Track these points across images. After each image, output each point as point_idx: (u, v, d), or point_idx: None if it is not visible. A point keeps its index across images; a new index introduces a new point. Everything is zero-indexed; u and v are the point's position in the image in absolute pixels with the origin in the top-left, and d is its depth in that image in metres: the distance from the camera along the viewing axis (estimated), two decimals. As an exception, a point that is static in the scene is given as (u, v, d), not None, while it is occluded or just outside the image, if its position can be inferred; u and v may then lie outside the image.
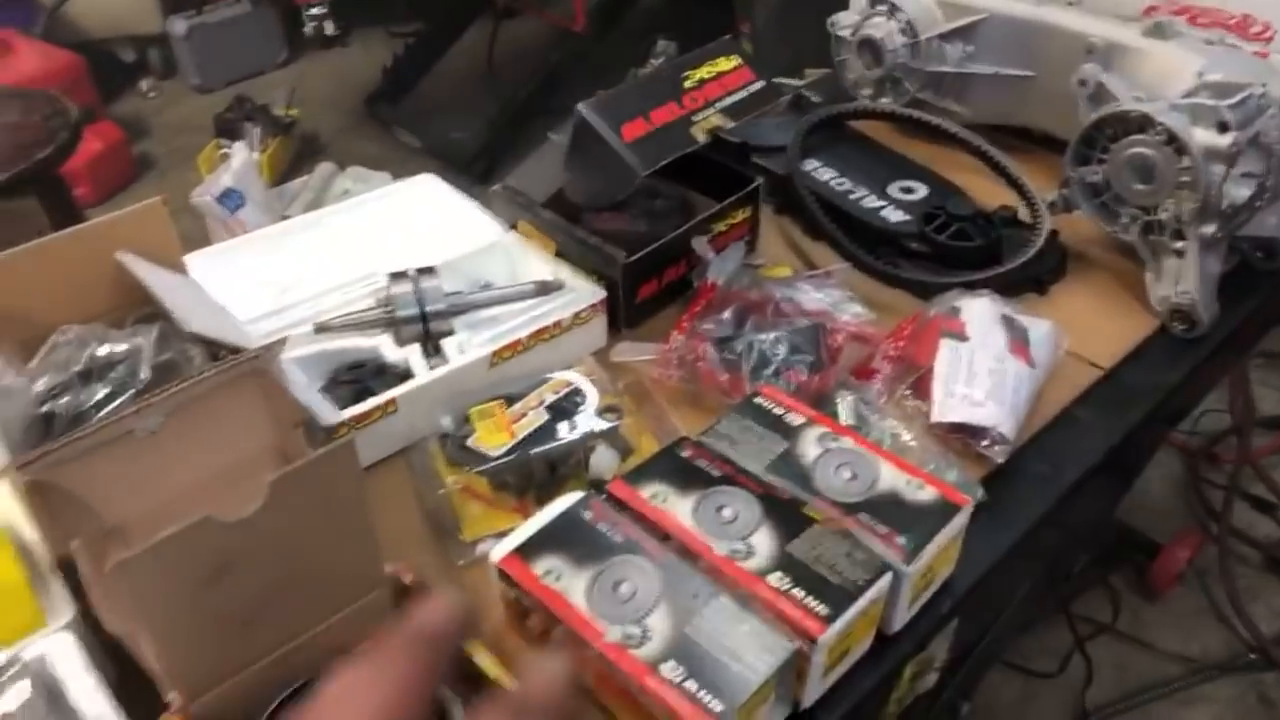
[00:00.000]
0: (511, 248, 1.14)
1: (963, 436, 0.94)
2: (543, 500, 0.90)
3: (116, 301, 0.93)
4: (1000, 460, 0.93)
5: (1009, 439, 0.93)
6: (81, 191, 2.93)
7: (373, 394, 0.95)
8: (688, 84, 1.06)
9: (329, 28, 4.20)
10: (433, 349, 1.00)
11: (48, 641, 0.69)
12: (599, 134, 0.98)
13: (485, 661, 0.71)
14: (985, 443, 0.93)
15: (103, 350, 0.85)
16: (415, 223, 1.21)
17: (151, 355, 0.83)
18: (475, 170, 3.34)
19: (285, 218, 2.84)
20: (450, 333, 1.02)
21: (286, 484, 0.64)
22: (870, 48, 1.35)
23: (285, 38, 4.09)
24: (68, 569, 0.75)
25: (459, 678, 0.70)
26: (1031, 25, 1.24)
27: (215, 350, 0.88)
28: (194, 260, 0.99)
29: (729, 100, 1.07)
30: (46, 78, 3.09)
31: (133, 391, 0.81)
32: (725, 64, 1.08)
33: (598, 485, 0.90)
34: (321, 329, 1.01)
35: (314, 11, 4.13)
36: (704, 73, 1.07)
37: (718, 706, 0.65)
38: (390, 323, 1.02)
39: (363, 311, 1.03)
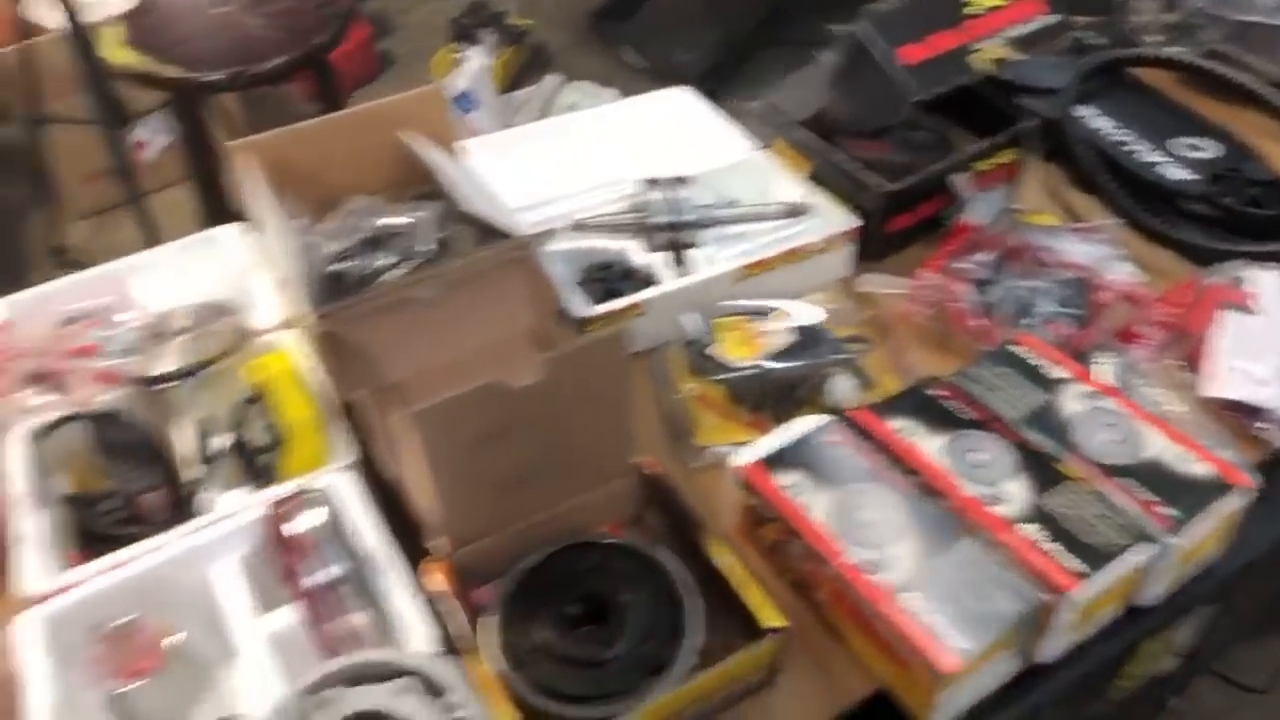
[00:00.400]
0: (763, 166, 1.13)
1: (1237, 415, 0.87)
2: (778, 418, 0.90)
3: (396, 177, 0.99)
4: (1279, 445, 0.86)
5: (1284, 432, 0.85)
6: (328, 82, 3.10)
7: (619, 294, 0.97)
8: (969, 9, 1.00)
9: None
10: (679, 258, 1.01)
11: (333, 477, 0.75)
12: (873, 54, 0.95)
13: (724, 559, 0.72)
14: (1263, 425, 0.85)
15: (387, 220, 0.91)
16: (667, 134, 1.21)
17: (433, 230, 0.88)
18: (704, 86, 3.32)
19: (512, 125, 2.94)
20: (695, 244, 1.02)
21: (565, 361, 0.66)
22: (1169, -11, 1.23)
23: (524, -53, 4.15)
24: (350, 414, 0.82)
25: (697, 575, 0.72)
26: (1373, -26, 1.10)
27: (487, 232, 0.92)
28: (463, 148, 1.03)
29: (1015, 32, 1.01)
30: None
31: (416, 261, 0.87)
32: (1017, -9, 1.02)
33: (834, 411, 0.89)
34: (578, 226, 1.04)
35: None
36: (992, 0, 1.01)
37: (962, 644, 0.64)
38: (641, 228, 1.03)
39: (617, 214, 1.05)
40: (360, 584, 0.69)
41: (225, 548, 0.73)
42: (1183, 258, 1.06)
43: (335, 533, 0.70)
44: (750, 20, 3.36)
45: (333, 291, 0.87)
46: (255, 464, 0.78)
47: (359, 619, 0.67)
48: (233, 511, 0.74)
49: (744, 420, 0.90)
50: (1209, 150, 1.12)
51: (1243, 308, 0.91)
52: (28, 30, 1.94)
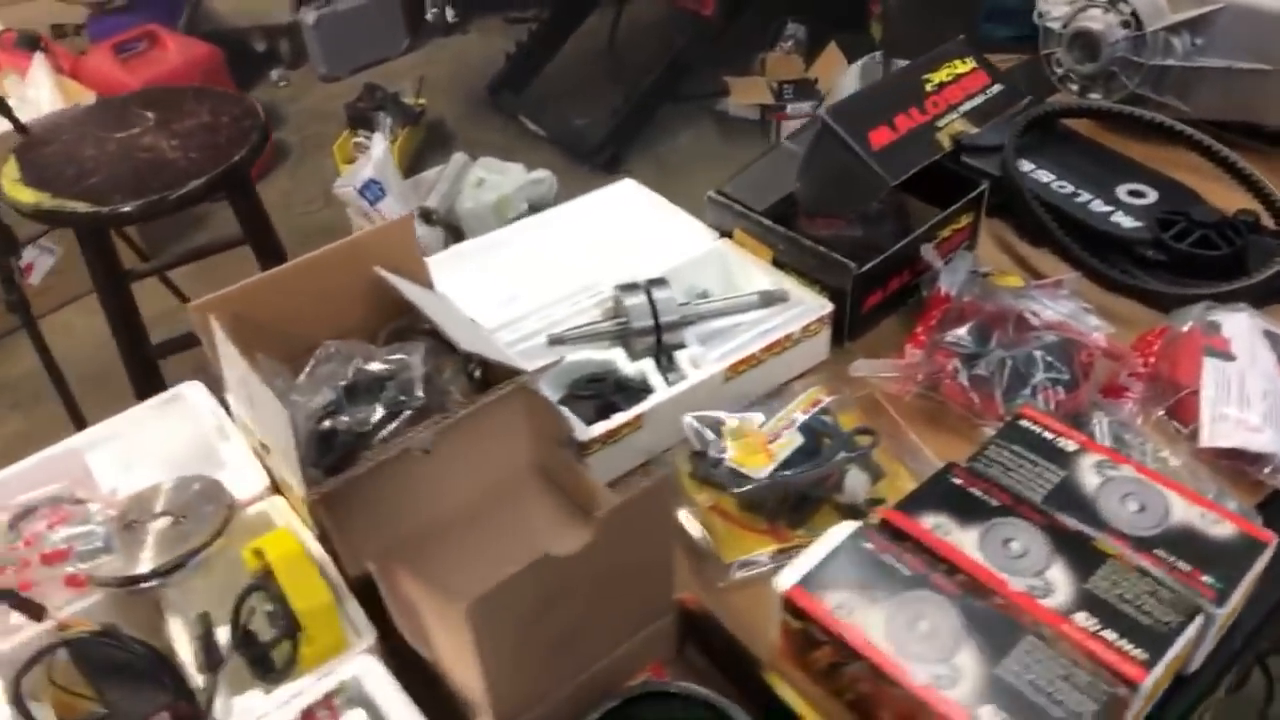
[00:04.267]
0: (727, 256, 1.12)
1: (1235, 462, 0.89)
2: (793, 523, 0.89)
3: (367, 315, 0.95)
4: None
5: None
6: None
7: (614, 408, 0.94)
8: (929, 88, 1.02)
9: (450, 15, 4.26)
10: (668, 362, 0.99)
11: (356, 664, 0.70)
12: (845, 142, 0.96)
13: (787, 694, 0.69)
14: (1267, 469, 0.88)
15: (370, 366, 0.87)
16: (622, 231, 1.20)
17: (422, 374, 0.84)
18: (600, 159, 3.33)
19: (423, 209, 2.89)
20: (681, 345, 1.01)
21: (614, 518, 0.63)
22: (1085, 40, 1.29)
23: (408, 25, 4.14)
24: (357, 587, 0.76)
25: (754, 707, 0.69)
26: (1275, 16, 1.16)
27: (473, 366, 0.89)
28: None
29: (970, 104, 1.03)
30: (190, 69, 3.18)
31: (407, 414, 0.82)
32: (962, 66, 1.04)
33: (852, 510, 0.88)
34: (555, 341, 1.01)
35: (438, -2, 4.20)
36: (943, 76, 1.03)
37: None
38: (622, 334, 1.01)
39: (595, 323, 1.02)
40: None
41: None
42: (1143, 304, 1.09)
43: (376, 730, 0.65)
44: (646, 80, 3.40)
45: (323, 452, 0.82)
46: (268, 659, 0.72)
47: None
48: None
49: (761, 529, 0.88)
50: (1151, 195, 1.16)
51: (1225, 354, 0.93)
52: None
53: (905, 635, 0.71)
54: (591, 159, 3.33)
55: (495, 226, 2.78)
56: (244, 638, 0.73)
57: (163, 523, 0.80)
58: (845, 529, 0.78)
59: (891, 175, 0.97)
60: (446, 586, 0.64)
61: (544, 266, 1.14)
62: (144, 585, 0.76)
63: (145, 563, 0.76)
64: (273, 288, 0.89)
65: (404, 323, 0.94)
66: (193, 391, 0.95)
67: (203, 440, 0.91)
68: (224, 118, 1.63)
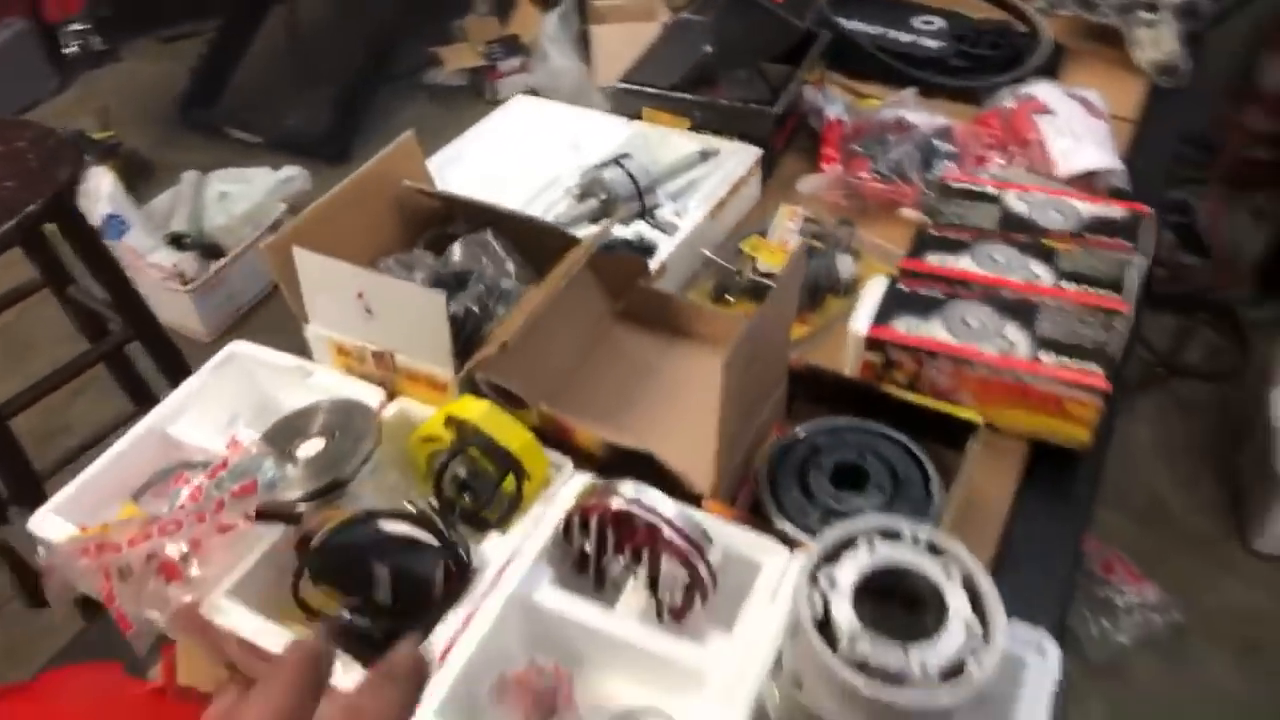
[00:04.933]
0: (647, 133, 1.27)
1: (1085, 182, 1.19)
2: (810, 309, 1.07)
3: (396, 233, 1.00)
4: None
5: (1125, 182, 1.19)
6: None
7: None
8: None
9: (96, 43, 3.90)
10: (654, 221, 1.13)
11: (574, 483, 0.80)
12: (756, 2, 1.14)
13: (897, 392, 0.88)
14: (1111, 179, 1.18)
15: (452, 262, 0.93)
16: (543, 136, 1.30)
17: (498, 269, 0.92)
18: (330, 151, 3.28)
19: (172, 234, 2.70)
20: (659, 205, 1.15)
21: (778, 292, 0.78)
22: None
23: (51, 63, 3.75)
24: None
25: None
26: None
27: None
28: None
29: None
30: None
31: (503, 290, 0.90)
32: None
33: (846, 287, 1.08)
34: (555, 225, 1.11)
35: (75, 28, 3.83)
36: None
37: (1097, 370, 0.87)
38: (606, 208, 1.13)
39: (580, 204, 1.13)
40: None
41: (539, 573, 0.75)
42: (962, 101, 1.38)
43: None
44: (350, 69, 3.38)
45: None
46: (480, 519, 0.79)
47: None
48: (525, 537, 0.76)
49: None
50: (937, 21, 1.46)
51: (1046, 111, 1.23)
52: None
53: (963, 331, 0.92)
54: (320, 153, 3.26)
55: (253, 236, 2.70)
56: (466, 492, 0.80)
57: (315, 444, 0.83)
58: (880, 282, 0.98)
59: (798, 19, 1.16)
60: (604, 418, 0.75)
61: (494, 181, 1.21)
62: (334, 494, 0.79)
63: (324, 476, 0.79)
64: (320, 220, 0.92)
65: (434, 232, 1.01)
66: (243, 348, 0.95)
67: (278, 384, 0.93)
68: (18, 143, 1.50)
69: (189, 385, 0.92)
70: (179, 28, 3.95)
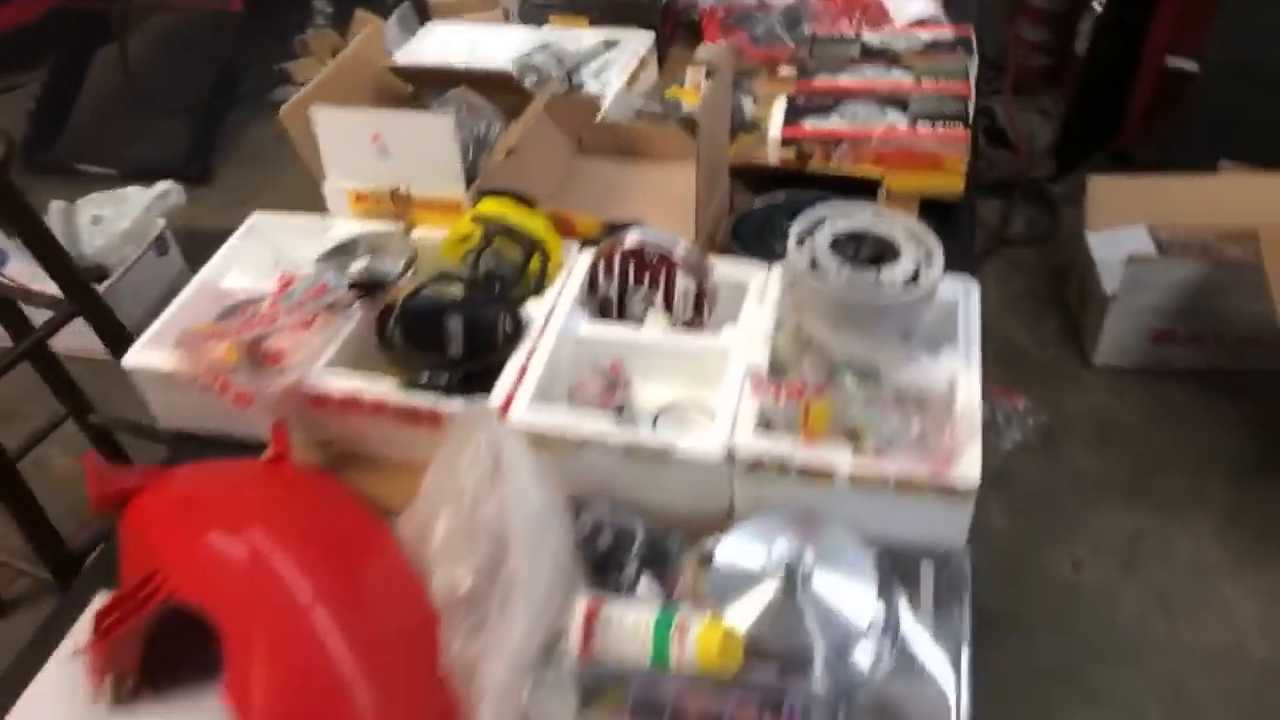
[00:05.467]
0: (558, 33, 1.46)
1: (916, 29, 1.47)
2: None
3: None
4: None
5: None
6: None
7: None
8: None
9: (-88, 101, 3.76)
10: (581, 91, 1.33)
11: (583, 259, 0.98)
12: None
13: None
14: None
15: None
16: (466, 50, 1.47)
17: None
18: (191, 172, 3.30)
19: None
20: (583, 83, 1.35)
21: (716, 87, 0.99)
22: None
23: None
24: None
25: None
26: None
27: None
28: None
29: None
30: None
31: (498, 128, 1.09)
32: None
33: (752, 125, 1.31)
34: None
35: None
36: None
37: (960, 128, 1.13)
38: (540, 86, 1.32)
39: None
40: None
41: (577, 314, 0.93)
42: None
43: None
44: (198, 95, 3.41)
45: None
46: (524, 284, 0.96)
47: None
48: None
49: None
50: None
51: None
52: None
53: (856, 120, 1.16)
54: (181, 175, 3.27)
55: (136, 254, 2.73)
56: (486, 279, 0.97)
57: (362, 262, 0.98)
58: (782, 100, 1.21)
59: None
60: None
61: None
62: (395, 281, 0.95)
63: (377, 279, 0.95)
64: (327, 91, 1.07)
65: (411, 107, 1.17)
66: (263, 218, 1.09)
67: (300, 243, 1.07)
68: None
69: (225, 249, 1.05)
70: (4, 80, 3.86)
